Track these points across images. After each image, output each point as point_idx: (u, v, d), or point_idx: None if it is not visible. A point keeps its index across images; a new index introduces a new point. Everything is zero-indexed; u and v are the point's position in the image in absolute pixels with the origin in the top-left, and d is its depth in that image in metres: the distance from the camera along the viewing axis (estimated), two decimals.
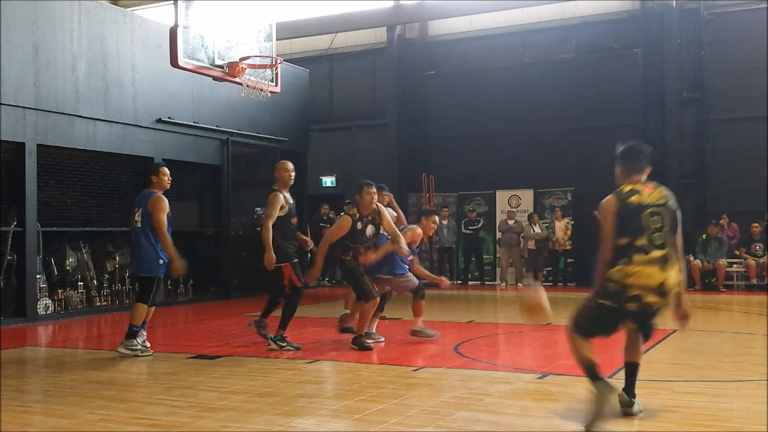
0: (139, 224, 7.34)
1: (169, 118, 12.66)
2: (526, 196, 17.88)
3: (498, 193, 17.97)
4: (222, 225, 14.15)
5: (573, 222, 17.01)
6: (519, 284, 16.58)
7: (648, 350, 7.21)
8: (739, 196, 16.34)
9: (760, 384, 5.65)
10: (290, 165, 7.76)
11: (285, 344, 7.53)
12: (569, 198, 17.52)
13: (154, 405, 5.20)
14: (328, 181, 20.05)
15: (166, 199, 7.38)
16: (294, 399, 5.32)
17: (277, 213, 7.46)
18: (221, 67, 9.71)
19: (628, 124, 17.11)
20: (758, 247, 14.98)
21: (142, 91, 12.25)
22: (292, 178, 7.71)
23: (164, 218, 7.24)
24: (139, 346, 7.29)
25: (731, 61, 16.60)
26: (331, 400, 5.38)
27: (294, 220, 7.72)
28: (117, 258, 12.27)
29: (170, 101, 12.72)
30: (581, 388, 5.57)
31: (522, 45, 18.58)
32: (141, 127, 12.26)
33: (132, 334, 7.26)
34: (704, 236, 15.24)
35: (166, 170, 7.61)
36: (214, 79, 10.09)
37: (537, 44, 18.43)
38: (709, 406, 4.96)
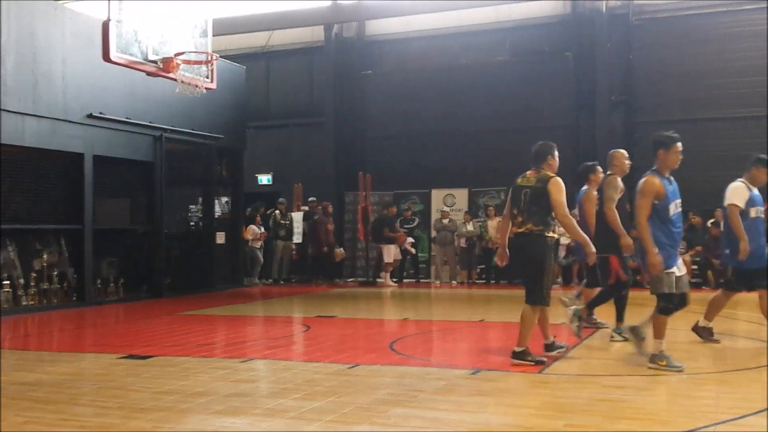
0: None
1: (100, 113, 12.37)
2: (461, 195, 18.11)
3: (433, 192, 18.15)
4: (155, 223, 13.87)
5: None
6: (453, 282, 16.78)
7: (576, 346, 7.42)
8: None
9: (683, 377, 5.87)
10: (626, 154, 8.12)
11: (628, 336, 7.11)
12: (503, 197, 17.79)
13: (82, 406, 5.10)
14: (265, 179, 19.91)
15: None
16: (228, 398, 5.28)
17: (617, 197, 7.69)
18: (155, 62, 9.58)
19: (559, 125, 17.48)
20: (682, 245, 15.45)
21: (73, 86, 11.93)
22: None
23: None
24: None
25: (658, 65, 17.13)
26: (265, 398, 5.35)
27: (628, 207, 7.85)
28: (45, 256, 11.93)
29: (102, 96, 12.42)
30: (512, 383, 5.70)
31: (458, 47, 18.79)
32: (71, 122, 11.95)
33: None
34: None
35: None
36: (147, 75, 9.93)
37: (472, 46, 18.66)
38: (636, 399, 5.11)
